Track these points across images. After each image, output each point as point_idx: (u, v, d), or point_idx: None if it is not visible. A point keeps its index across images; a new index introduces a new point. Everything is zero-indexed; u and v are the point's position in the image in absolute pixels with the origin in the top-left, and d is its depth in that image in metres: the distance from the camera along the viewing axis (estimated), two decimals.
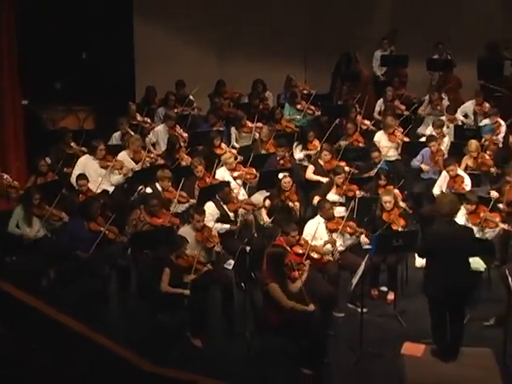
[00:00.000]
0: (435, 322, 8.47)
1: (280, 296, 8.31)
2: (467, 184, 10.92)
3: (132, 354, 8.42)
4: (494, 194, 10.60)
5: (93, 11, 14.03)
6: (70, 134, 12.27)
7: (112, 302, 9.66)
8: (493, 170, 11.59)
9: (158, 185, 10.57)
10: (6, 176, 10.86)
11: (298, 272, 8.54)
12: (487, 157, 11.70)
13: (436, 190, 11.05)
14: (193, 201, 10.54)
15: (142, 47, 15.15)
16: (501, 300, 8.99)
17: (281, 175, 10.68)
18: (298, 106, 13.73)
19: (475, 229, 9.61)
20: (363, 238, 9.59)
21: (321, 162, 11.61)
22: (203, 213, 9.55)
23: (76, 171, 11.15)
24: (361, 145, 12.50)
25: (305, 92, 14.30)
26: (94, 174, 11.21)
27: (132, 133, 12.33)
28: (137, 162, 11.56)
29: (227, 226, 10.12)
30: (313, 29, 15.41)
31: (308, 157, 12.23)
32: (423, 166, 11.82)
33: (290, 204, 10.49)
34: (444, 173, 11.10)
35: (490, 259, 9.89)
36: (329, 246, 9.51)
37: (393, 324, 9.38)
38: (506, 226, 9.86)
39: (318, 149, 12.02)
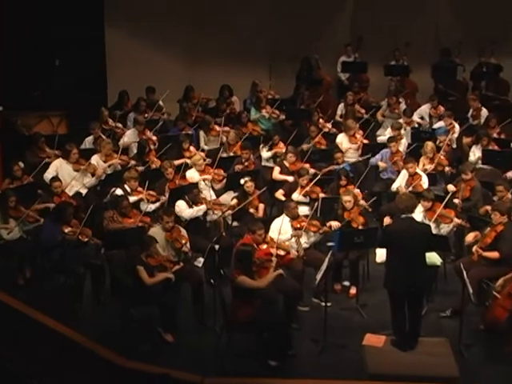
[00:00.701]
0: (395, 314, 8.58)
1: (252, 282, 8.42)
2: (425, 182, 11.05)
3: (107, 350, 8.44)
4: (451, 187, 10.75)
5: (65, 20, 13.96)
6: (43, 138, 12.18)
7: (87, 300, 9.62)
8: (448, 169, 11.75)
9: (126, 186, 10.60)
10: None
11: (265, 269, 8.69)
12: (442, 157, 11.84)
13: (394, 186, 11.20)
14: (164, 198, 10.56)
15: (113, 54, 15.13)
16: (456, 292, 9.11)
17: (242, 181, 10.72)
18: (264, 111, 13.79)
19: (432, 225, 9.73)
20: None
21: (286, 163, 11.66)
22: (172, 214, 9.57)
23: (49, 174, 11.14)
24: (323, 147, 12.57)
25: (269, 97, 14.37)
26: (67, 177, 11.16)
27: (104, 137, 12.29)
28: (109, 165, 11.56)
29: (203, 207, 10.20)
30: (277, 36, 15.44)
31: (274, 157, 12.27)
32: (380, 164, 11.98)
33: (252, 210, 10.51)
34: (403, 171, 11.21)
35: (446, 254, 10.03)
36: (293, 240, 9.59)
37: (355, 317, 9.45)
38: (460, 221, 10.00)
39: (283, 151, 12.08)
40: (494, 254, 9.19)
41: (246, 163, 11.69)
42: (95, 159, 11.57)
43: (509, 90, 15.12)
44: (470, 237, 9.74)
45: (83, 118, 13.00)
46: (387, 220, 9.87)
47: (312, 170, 11.38)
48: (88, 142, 12.39)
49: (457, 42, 15.17)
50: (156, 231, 9.44)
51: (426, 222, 9.75)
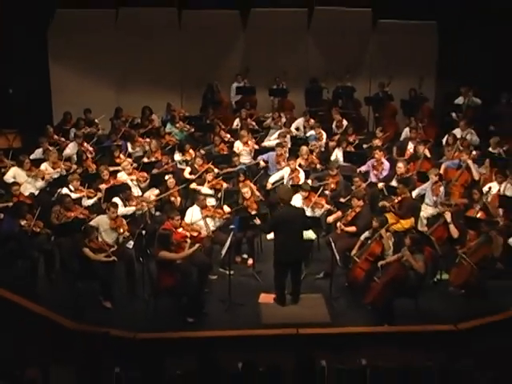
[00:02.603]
0: (278, 278, 8.69)
1: (171, 255, 8.43)
2: (302, 177, 11.16)
3: (59, 316, 8.22)
4: (308, 181, 10.90)
5: (16, 56, 13.55)
6: (1, 151, 11.79)
7: (41, 278, 9.36)
8: (318, 166, 11.91)
9: (70, 186, 10.39)
10: None
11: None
12: (314, 158, 12.00)
13: (272, 179, 11.20)
14: (100, 194, 10.35)
15: (56, 83, 14.80)
16: (327, 260, 9.26)
17: (167, 177, 10.68)
18: (177, 125, 13.68)
19: (308, 209, 9.87)
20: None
21: (196, 165, 11.56)
22: (117, 206, 9.43)
23: (9, 177, 10.79)
24: (225, 152, 12.55)
25: (181, 114, 14.25)
26: (23, 181, 10.77)
27: (51, 148, 11.97)
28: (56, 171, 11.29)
29: (133, 209, 10.03)
30: (186, 67, 15.35)
31: (186, 161, 12.17)
32: (261, 162, 12.02)
33: (172, 199, 10.44)
34: (286, 168, 11.26)
35: (319, 230, 10.19)
36: (202, 223, 9.58)
37: (252, 281, 9.50)
38: (329, 207, 10.16)
39: (193, 156, 11.99)
40: (352, 229, 9.44)
41: (166, 166, 11.57)
42: (45, 166, 11.27)
43: (361, 106, 15.46)
44: (330, 218, 9.99)
45: (33, 134, 12.64)
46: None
47: (216, 170, 11.35)
48: (38, 153, 12.00)
49: (323, 72, 15.39)
50: (102, 219, 9.28)
51: (305, 207, 9.88)
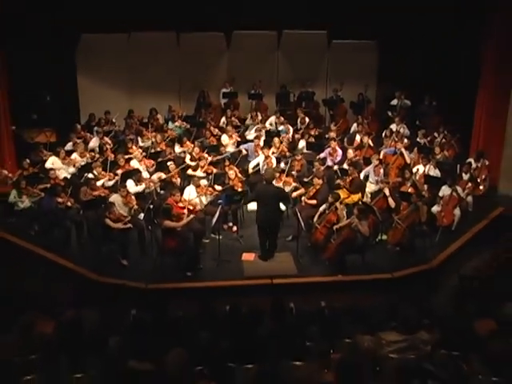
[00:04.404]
0: (260, 240, 8.65)
1: (173, 224, 8.39)
2: (273, 162, 11.06)
3: (86, 270, 8.15)
4: (281, 166, 10.80)
5: (52, 71, 13.26)
6: (41, 145, 11.71)
7: (73, 242, 9.30)
8: (287, 154, 11.81)
9: (94, 171, 10.25)
10: (4, 171, 10.55)
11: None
12: (284, 147, 11.90)
13: (251, 164, 11.10)
14: (117, 177, 10.20)
15: (83, 91, 14.47)
16: (294, 226, 9.27)
17: (169, 163, 10.56)
18: (176, 123, 13.48)
19: (279, 186, 9.80)
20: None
21: (194, 153, 11.40)
22: (126, 187, 9.34)
23: (49, 164, 10.69)
24: (214, 143, 12.40)
25: (180, 114, 14.04)
26: (59, 167, 10.66)
27: (78, 141, 11.75)
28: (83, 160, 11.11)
29: (143, 186, 9.92)
30: (183, 77, 15.10)
31: (183, 151, 12.01)
32: (242, 150, 11.83)
33: (174, 180, 10.33)
34: (261, 155, 11.16)
35: (288, 202, 10.14)
36: (197, 200, 9.47)
37: (236, 244, 9.46)
38: (295, 184, 10.10)
39: (190, 147, 11.82)
40: (314, 202, 9.40)
41: (169, 155, 11.41)
42: (75, 156, 11.09)
43: (319, 106, 15.33)
44: (295, 194, 9.93)
45: (65, 131, 12.41)
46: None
47: (209, 158, 11.21)
48: (69, 145, 11.76)
49: (290, 80, 15.23)
50: (116, 197, 9.18)
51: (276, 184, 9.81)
